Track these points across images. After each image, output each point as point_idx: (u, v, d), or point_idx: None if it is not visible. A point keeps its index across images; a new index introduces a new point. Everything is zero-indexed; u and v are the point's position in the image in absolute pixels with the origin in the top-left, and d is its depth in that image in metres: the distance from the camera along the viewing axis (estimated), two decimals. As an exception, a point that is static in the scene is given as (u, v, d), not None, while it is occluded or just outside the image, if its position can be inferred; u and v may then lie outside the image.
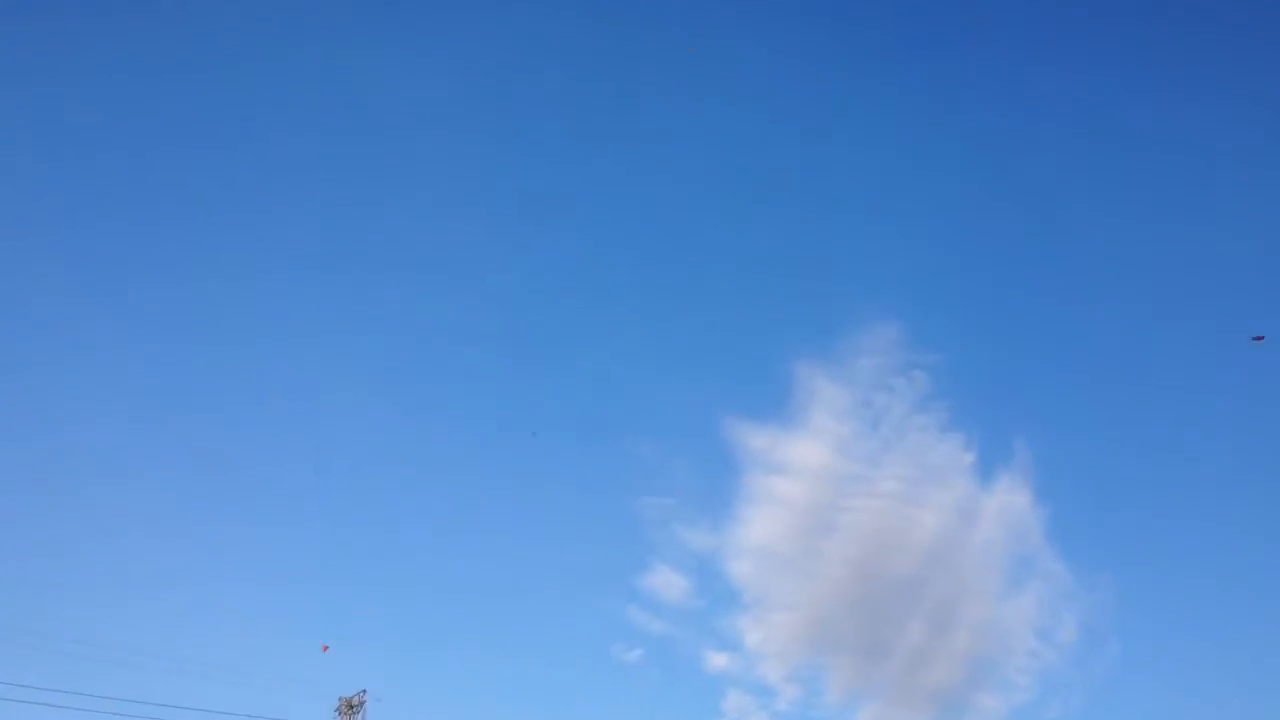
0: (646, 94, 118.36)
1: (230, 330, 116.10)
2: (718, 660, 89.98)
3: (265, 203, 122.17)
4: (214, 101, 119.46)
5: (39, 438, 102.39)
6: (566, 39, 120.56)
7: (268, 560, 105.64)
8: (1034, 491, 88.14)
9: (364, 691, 67.98)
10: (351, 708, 67.46)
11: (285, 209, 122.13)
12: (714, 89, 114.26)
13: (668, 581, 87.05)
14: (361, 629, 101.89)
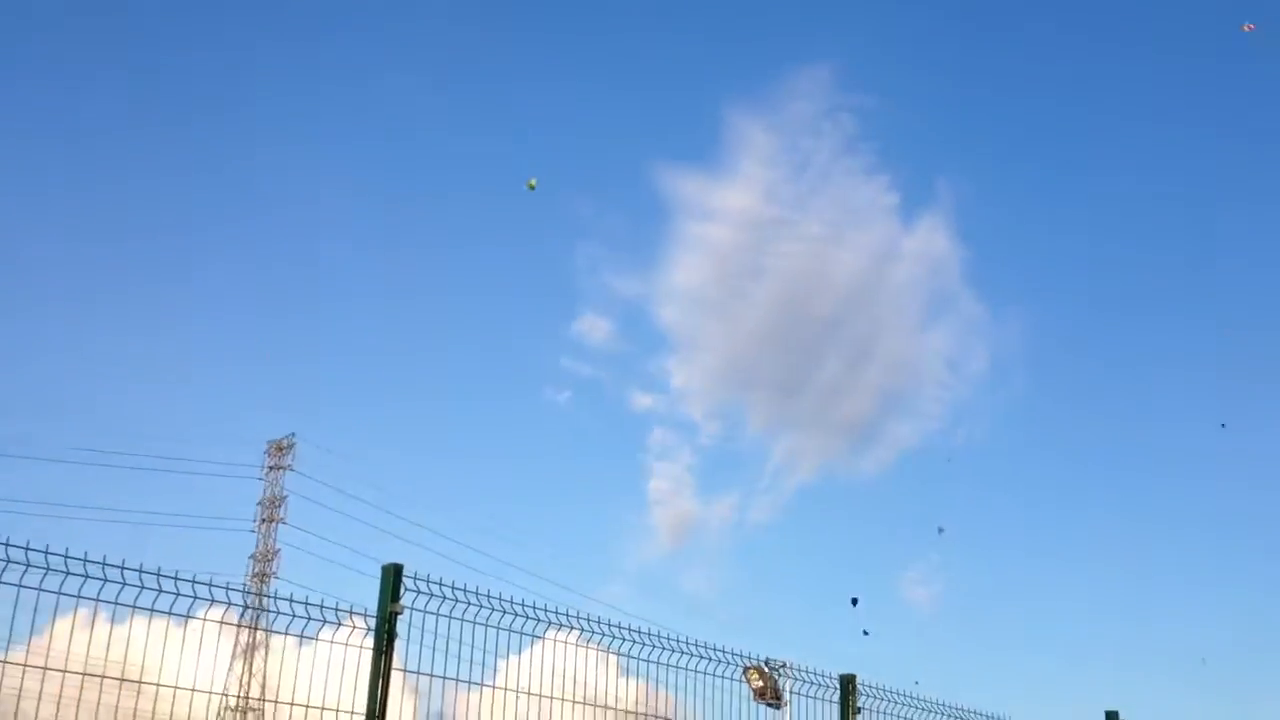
0: None
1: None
2: (643, 400, 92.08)
3: None
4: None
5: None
6: None
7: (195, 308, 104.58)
8: (954, 231, 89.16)
9: (293, 435, 68.14)
10: (281, 450, 67.48)
11: None
12: None
13: (596, 327, 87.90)
14: (290, 375, 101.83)
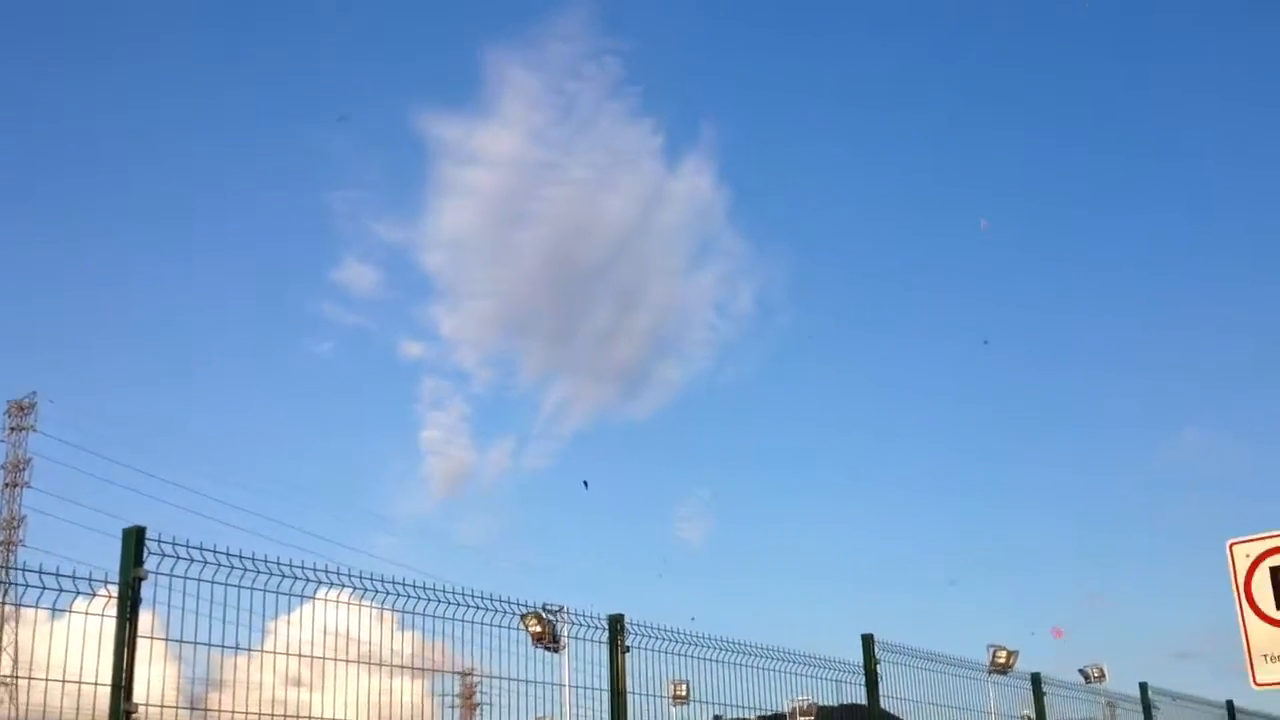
0: None
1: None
2: (412, 349, 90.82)
3: None
4: None
5: None
6: None
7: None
8: (718, 172, 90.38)
9: (34, 393, 64.57)
10: (22, 410, 64.23)
11: None
12: None
13: (359, 274, 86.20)
14: (28, 330, 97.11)
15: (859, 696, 12.02)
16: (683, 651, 10.57)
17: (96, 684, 7.71)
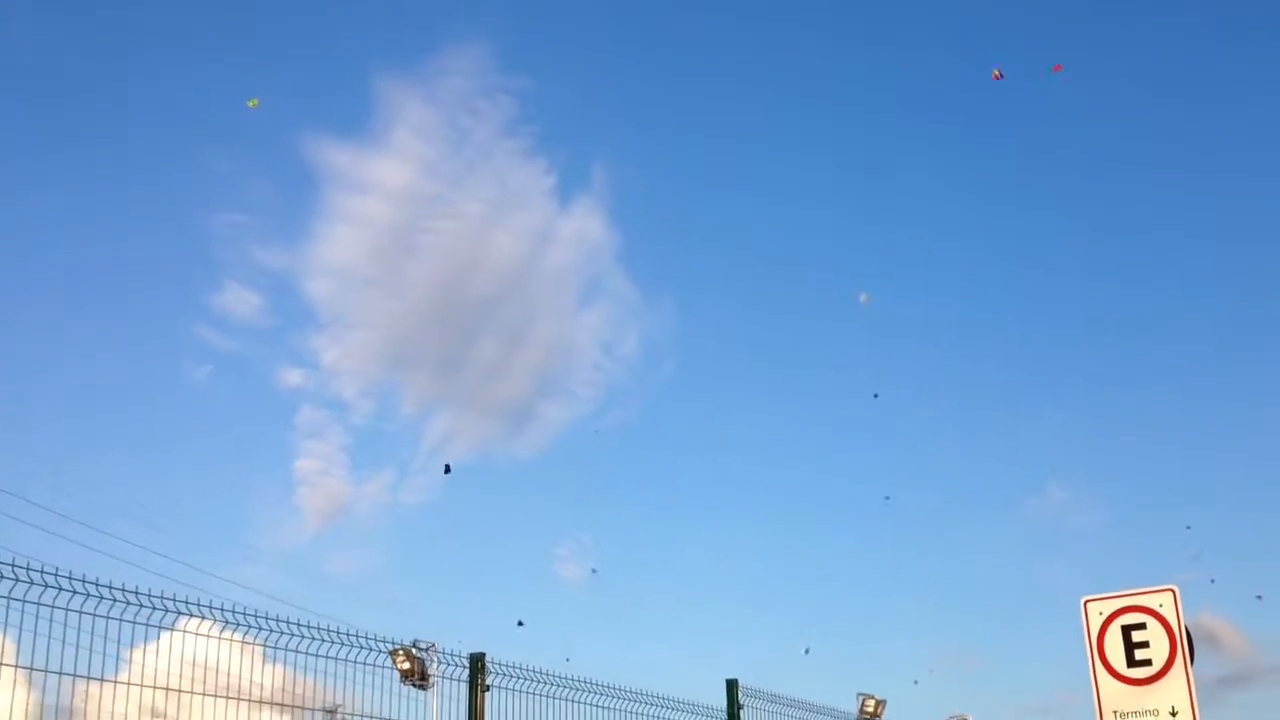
0: None
1: None
2: (291, 377, 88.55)
3: None
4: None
5: None
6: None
7: None
8: (608, 215, 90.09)
9: None
10: None
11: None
12: None
13: (240, 299, 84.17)
14: None
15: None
16: (545, 692, 10.58)
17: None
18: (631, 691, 11.20)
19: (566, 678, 10.69)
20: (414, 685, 10.58)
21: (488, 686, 10.20)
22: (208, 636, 9.35)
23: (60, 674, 8.17)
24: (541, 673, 10.52)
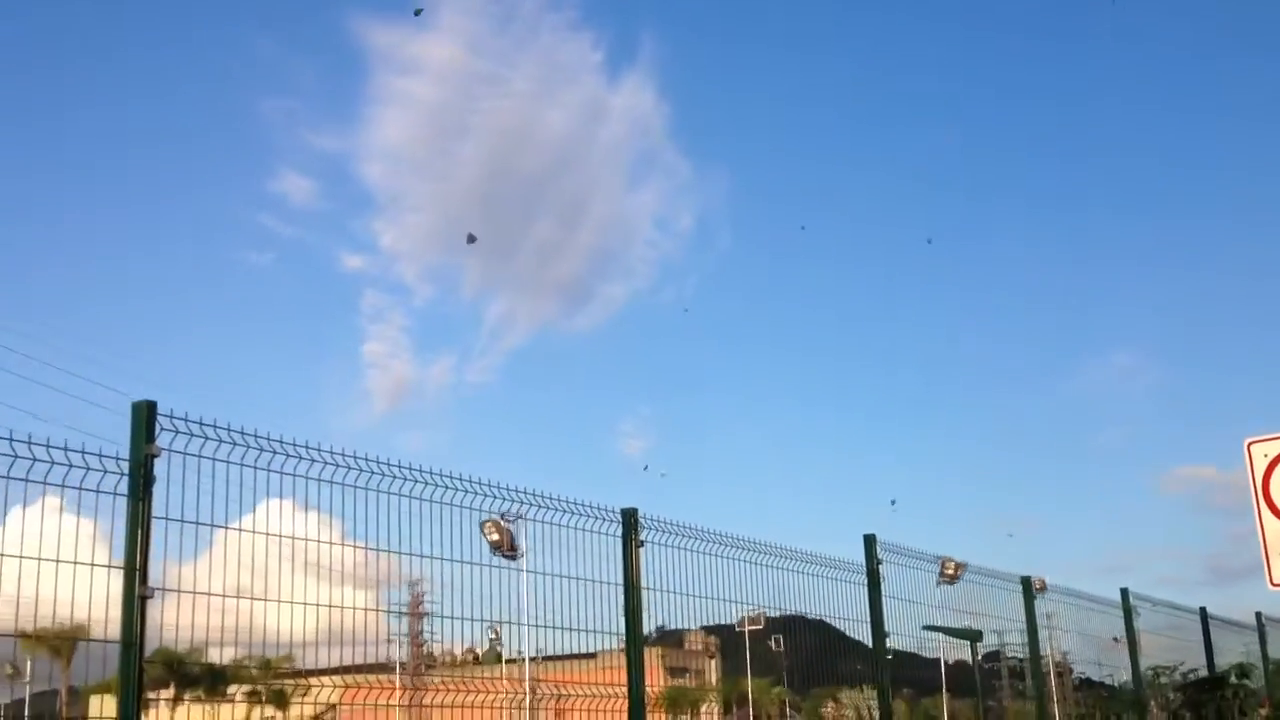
0: None
1: None
2: (353, 262, 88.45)
3: None
4: None
5: None
6: None
7: None
8: (658, 88, 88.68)
9: None
10: None
11: None
12: None
13: (296, 186, 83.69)
14: None
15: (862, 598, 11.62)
16: (695, 548, 10.00)
17: (110, 566, 6.84)
18: (778, 547, 10.66)
19: (716, 533, 10.11)
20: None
21: (642, 542, 9.57)
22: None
23: (226, 528, 7.47)
24: (692, 529, 9.91)
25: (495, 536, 9.84)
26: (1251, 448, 10.59)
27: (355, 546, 8.37)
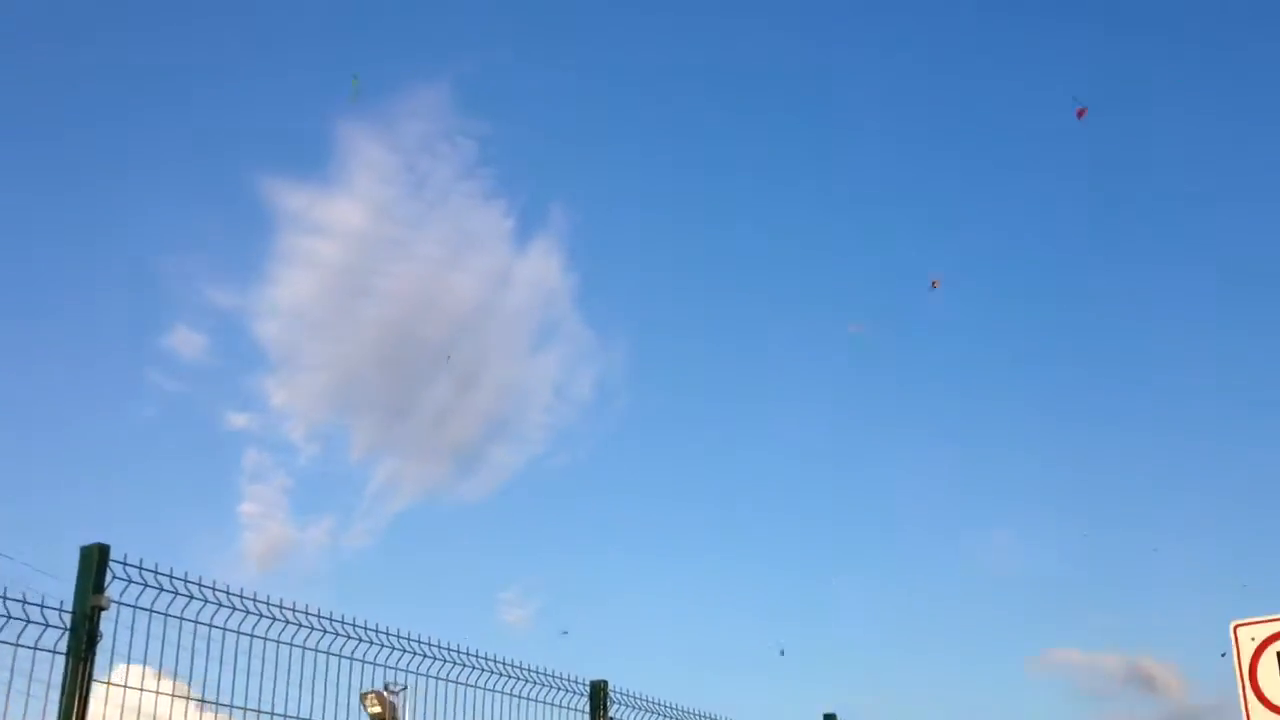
0: None
1: None
2: (238, 420, 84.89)
3: None
4: None
5: None
6: None
7: None
8: (565, 257, 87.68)
9: None
10: None
11: None
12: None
13: (188, 341, 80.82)
14: None
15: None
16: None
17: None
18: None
19: (689, 711, 9.51)
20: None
21: (611, 718, 8.96)
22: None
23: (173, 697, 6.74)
24: (665, 704, 9.31)
25: (377, 709, 9.17)
26: (1238, 630, 10.25)
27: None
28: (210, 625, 6.88)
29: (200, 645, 6.85)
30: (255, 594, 6.95)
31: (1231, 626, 10.30)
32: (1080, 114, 39.73)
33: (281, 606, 7.05)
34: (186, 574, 6.80)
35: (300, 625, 7.19)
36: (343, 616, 7.41)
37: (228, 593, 6.79)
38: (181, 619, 6.77)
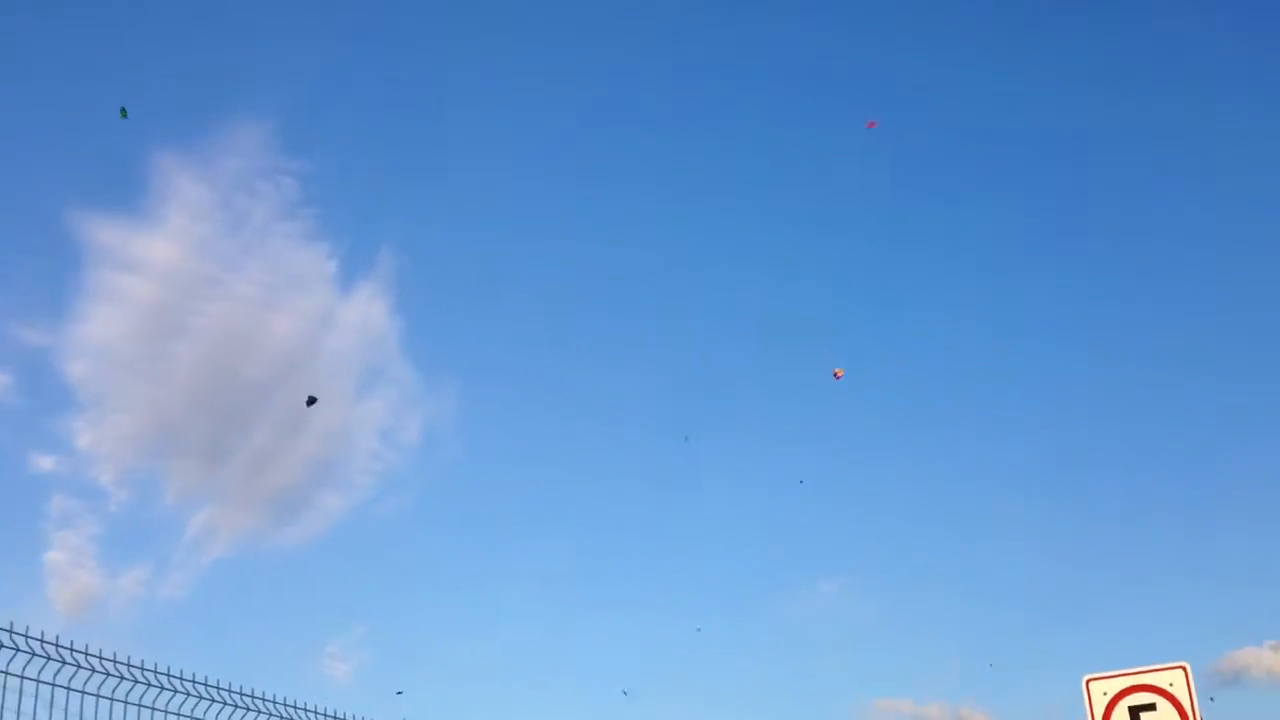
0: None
1: None
2: (44, 462, 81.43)
3: None
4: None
5: None
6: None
7: None
8: (393, 301, 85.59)
9: None
10: None
11: None
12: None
13: None
14: None
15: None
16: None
17: None
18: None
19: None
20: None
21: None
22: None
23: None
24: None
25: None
26: (1090, 685, 10.24)
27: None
28: (5, 673, 6.46)
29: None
30: (57, 637, 6.54)
31: (1084, 681, 10.27)
32: (870, 125, 41.01)
33: (86, 654, 6.66)
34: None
35: (108, 674, 6.79)
36: (155, 665, 7.01)
37: (26, 636, 6.38)
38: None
